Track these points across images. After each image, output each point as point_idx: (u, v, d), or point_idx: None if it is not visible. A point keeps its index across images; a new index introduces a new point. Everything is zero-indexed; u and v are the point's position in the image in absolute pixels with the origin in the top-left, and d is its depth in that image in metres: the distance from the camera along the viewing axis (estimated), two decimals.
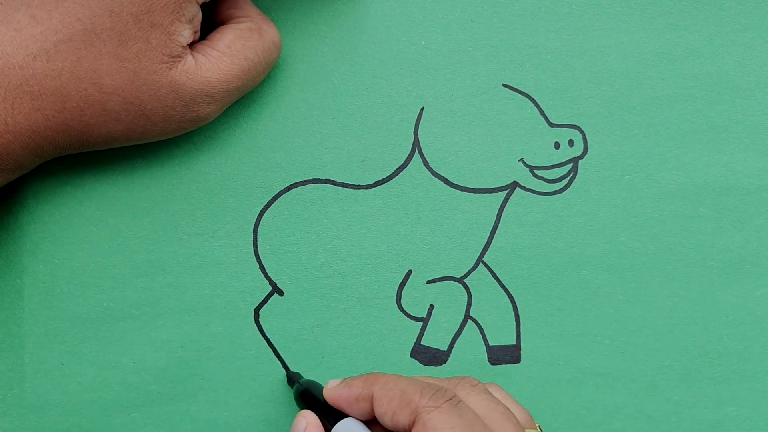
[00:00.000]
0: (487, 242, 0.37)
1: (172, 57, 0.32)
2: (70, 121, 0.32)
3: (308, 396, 0.34)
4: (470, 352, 0.37)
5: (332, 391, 0.33)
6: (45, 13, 0.31)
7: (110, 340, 0.36)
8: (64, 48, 0.31)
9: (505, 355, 0.37)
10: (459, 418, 0.29)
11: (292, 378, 0.36)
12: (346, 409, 0.32)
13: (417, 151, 0.37)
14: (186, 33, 0.32)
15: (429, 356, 0.37)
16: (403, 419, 0.30)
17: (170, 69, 0.32)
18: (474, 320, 0.37)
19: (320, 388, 0.34)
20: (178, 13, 0.32)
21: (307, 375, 0.37)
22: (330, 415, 0.32)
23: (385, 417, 0.30)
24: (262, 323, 0.37)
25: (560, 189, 0.38)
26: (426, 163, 0.37)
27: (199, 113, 0.34)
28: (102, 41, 0.31)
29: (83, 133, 0.32)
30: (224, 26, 0.34)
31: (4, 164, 0.32)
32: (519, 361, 0.37)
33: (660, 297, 0.38)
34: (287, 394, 0.37)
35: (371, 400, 0.31)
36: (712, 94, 0.38)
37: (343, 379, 0.33)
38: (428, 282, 0.37)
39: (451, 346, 0.37)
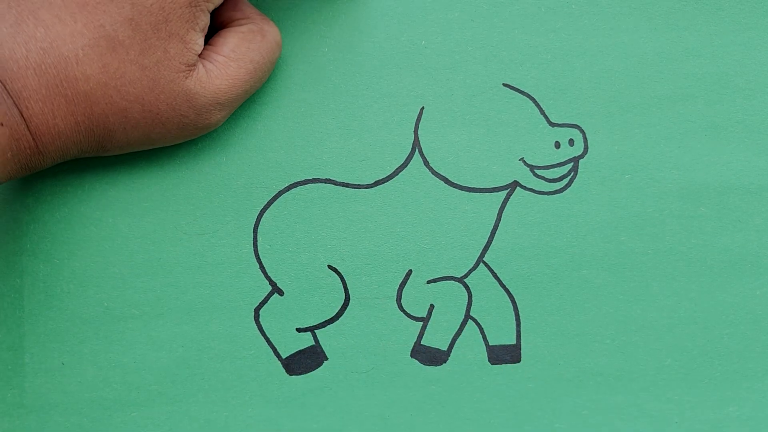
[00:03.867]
0: (487, 242, 0.37)
1: (188, 66, 0.32)
2: (95, 127, 0.32)
3: None
4: (470, 351, 0.37)
5: None
6: (69, 17, 0.31)
7: (110, 340, 0.36)
8: (90, 53, 0.31)
9: (505, 355, 0.37)
10: None
11: None
12: None
13: (417, 150, 0.37)
14: (200, 41, 0.33)
15: (429, 356, 0.37)
16: None
17: (186, 78, 0.32)
18: (474, 320, 0.37)
19: None
20: (192, 22, 0.32)
21: (307, 376, 0.37)
22: None
23: None
24: (262, 323, 0.37)
25: (561, 188, 0.38)
26: (426, 163, 0.37)
27: (210, 120, 0.34)
28: (125, 49, 0.31)
29: (104, 139, 0.33)
30: (226, 30, 0.34)
31: (32, 163, 0.31)
32: (519, 361, 0.37)
33: (660, 297, 0.38)
34: (287, 394, 0.37)
35: None
36: (712, 94, 0.38)
37: None
38: (428, 282, 0.37)
39: (451, 345, 0.37)
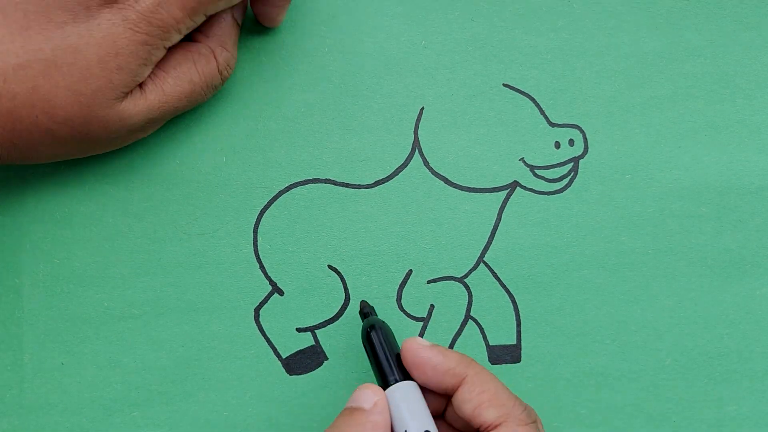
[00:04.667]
0: (487, 242, 0.37)
1: (127, 92, 0.32)
2: (17, 140, 0.32)
3: (377, 339, 0.32)
4: (471, 351, 0.37)
5: (422, 351, 0.31)
6: (8, 36, 0.30)
7: (110, 340, 0.36)
8: (21, 73, 0.31)
9: (505, 355, 0.37)
10: None
11: (365, 311, 0.34)
12: (421, 373, 0.31)
13: (417, 150, 0.37)
14: (148, 72, 0.32)
15: None
16: (487, 416, 0.30)
17: (121, 102, 0.32)
18: (474, 320, 0.37)
19: (389, 333, 0.33)
20: (145, 58, 0.32)
21: (307, 376, 0.37)
22: (388, 368, 0.31)
23: (466, 404, 0.30)
24: (262, 323, 0.37)
25: (561, 188, 0.38)
26: (426, 163, 0.37)
27: (142, 135, 0.35)
28: (61, 74, 0.31)
29: (28, 151, 0.32)
30: (178, 45, 0.34)
31: None
32: (519, 361, 0.37)
33: (660, 297, 0.38)
34: (287, 394, 0.37)
35: (461, 380, 0.31)
36: (712, 94, 0.38)
37: (431, 343, 0.32)
38: (429, 282, 0.37)
39: (451, 345, 0.37)
